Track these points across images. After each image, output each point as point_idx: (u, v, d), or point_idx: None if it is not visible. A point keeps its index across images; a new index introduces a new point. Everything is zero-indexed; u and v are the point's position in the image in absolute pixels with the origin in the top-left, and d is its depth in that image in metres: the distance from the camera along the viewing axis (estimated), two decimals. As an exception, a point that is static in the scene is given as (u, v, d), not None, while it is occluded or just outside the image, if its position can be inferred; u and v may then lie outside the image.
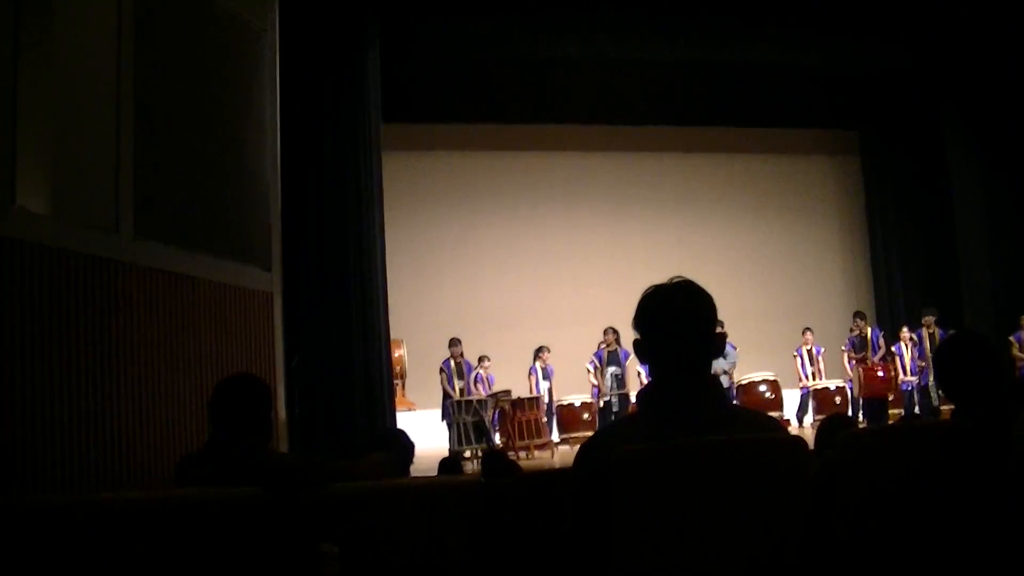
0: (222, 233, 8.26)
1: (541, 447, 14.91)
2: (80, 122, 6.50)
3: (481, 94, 17.71)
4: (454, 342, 15.43)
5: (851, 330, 16.44)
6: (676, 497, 2.49)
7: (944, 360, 3.60)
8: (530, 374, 16.25)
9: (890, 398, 15.50)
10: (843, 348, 16.38)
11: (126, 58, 6.93)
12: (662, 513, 2.49)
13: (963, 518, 2.68)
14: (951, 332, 15.06)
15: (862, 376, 15.29)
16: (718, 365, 14.25)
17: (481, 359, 15.93)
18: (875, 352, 15.90)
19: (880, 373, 15.38)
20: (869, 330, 16.19)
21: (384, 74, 15.00)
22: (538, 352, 16.41)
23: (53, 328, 5.74)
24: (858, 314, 16.57)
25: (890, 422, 13.34)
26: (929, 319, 16.08)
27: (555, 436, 15.82)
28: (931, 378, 15.51)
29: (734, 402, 12.60)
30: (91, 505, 3.38)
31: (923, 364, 15.79)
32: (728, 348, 15.13)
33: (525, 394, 15.49)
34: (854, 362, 15.86)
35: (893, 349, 16.49)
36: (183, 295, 7.36)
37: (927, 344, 15.82)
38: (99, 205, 6.50)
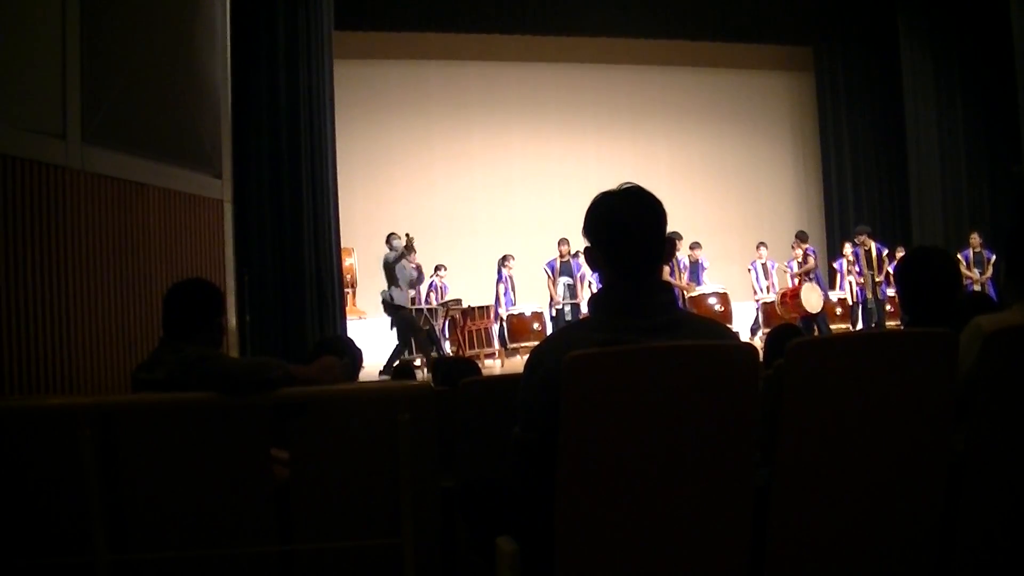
0: (172, 140, 8.15)
1: (491, 356, 14.99)
2: (26, 27, 6.33)
3: (434, 2, 17.45)
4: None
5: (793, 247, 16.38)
6: (626, 401, 2.51)
7: (909, 272, 3.63)
8: (499, 282, 15.83)
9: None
10: (786, 268, 16.35)
11: (72, -40, 6.76)
12: (612, 418, 2.51)
13: (910, 425, 2.73)
14: (900, 246, 15.22)
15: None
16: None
17: (437, 268, 15.87)
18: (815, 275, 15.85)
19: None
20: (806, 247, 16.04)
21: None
22: (503, 261, 15.96)
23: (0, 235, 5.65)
24: (799, 235, 16.38)
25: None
26: (863, 235, 16.03)
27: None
28: (868, 293, 15.62)
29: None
30: (40, 410, 3.36)
31: (860, 281, 15.87)
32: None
33: (475, 303, 15.44)
34: (797, 280, 15.83)
35: (835, 265, 16.59)
36: (133, 202, 7.27)
37: (863, 261, 15.84)
38: (46, 111, 6.36)
